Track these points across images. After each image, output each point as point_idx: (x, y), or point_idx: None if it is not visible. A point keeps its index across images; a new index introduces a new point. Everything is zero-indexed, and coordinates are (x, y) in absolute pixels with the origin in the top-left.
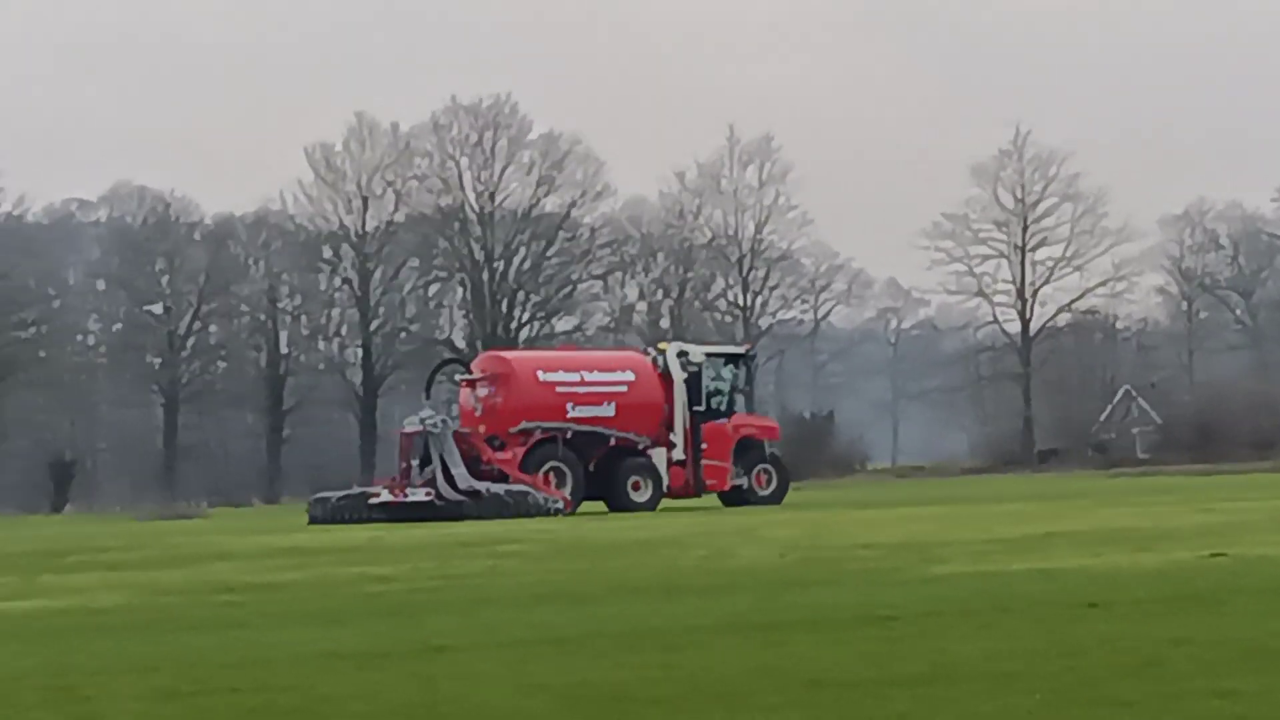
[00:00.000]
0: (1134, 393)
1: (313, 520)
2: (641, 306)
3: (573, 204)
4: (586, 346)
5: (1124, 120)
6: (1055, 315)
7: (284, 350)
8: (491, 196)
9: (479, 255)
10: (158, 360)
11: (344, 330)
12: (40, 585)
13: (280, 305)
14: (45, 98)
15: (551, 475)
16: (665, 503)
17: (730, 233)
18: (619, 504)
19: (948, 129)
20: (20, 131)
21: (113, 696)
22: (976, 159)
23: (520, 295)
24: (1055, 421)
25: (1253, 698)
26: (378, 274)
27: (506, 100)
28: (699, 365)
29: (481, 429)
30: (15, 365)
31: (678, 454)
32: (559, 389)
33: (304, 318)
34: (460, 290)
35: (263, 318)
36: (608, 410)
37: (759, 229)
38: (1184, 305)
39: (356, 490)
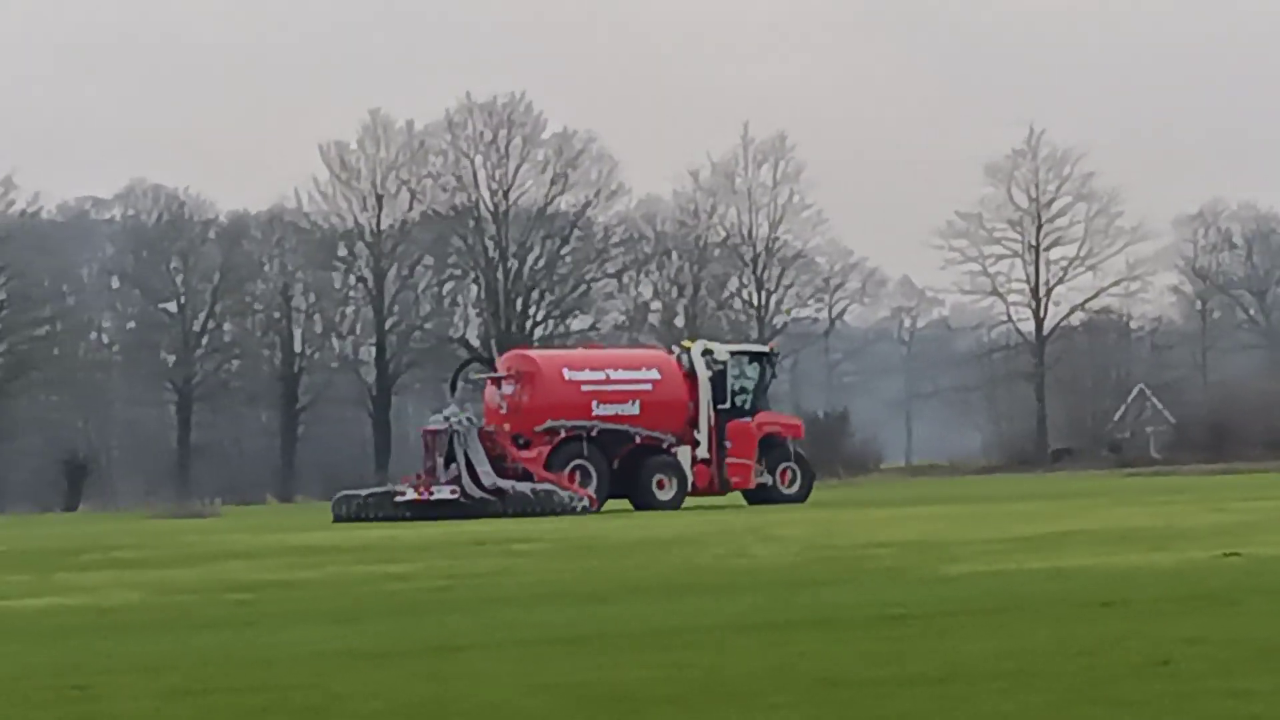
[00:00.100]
0: (1148, 392)
1: (337, 518)
2: (656, 305)
3: (587, 202)
4: (610, 345)
5: (1131, 119)
6: (1069, 314)
7: (298, 348)
8: (506, 195)
9: (493, 253)
10: (172, 358)
11: (358, 328)
12: (53, 583)
13: (294, 303)
14: (47, 97)
15: (576, 473)
16: (689, 500)
17: (744, 231)
18: (643, 502)
19: (956, 128)
20: (29, 131)
21: (124, 695)
22: (989, 158)
23: (535, 294)
24: (1069, 421)
25: (1267, 697)
26: (392, 272)
27: (521, 99)
28: (724, 363)
29: (506, 427)
30: (29, 363)
31: (702, 452)
32: (584, 387)
33: (318, 316)
34: (475, 288)
35: (277, 315)
36: (632, 408)
37: (773, 228)
38: (1198, 305)
39: (381, 488)
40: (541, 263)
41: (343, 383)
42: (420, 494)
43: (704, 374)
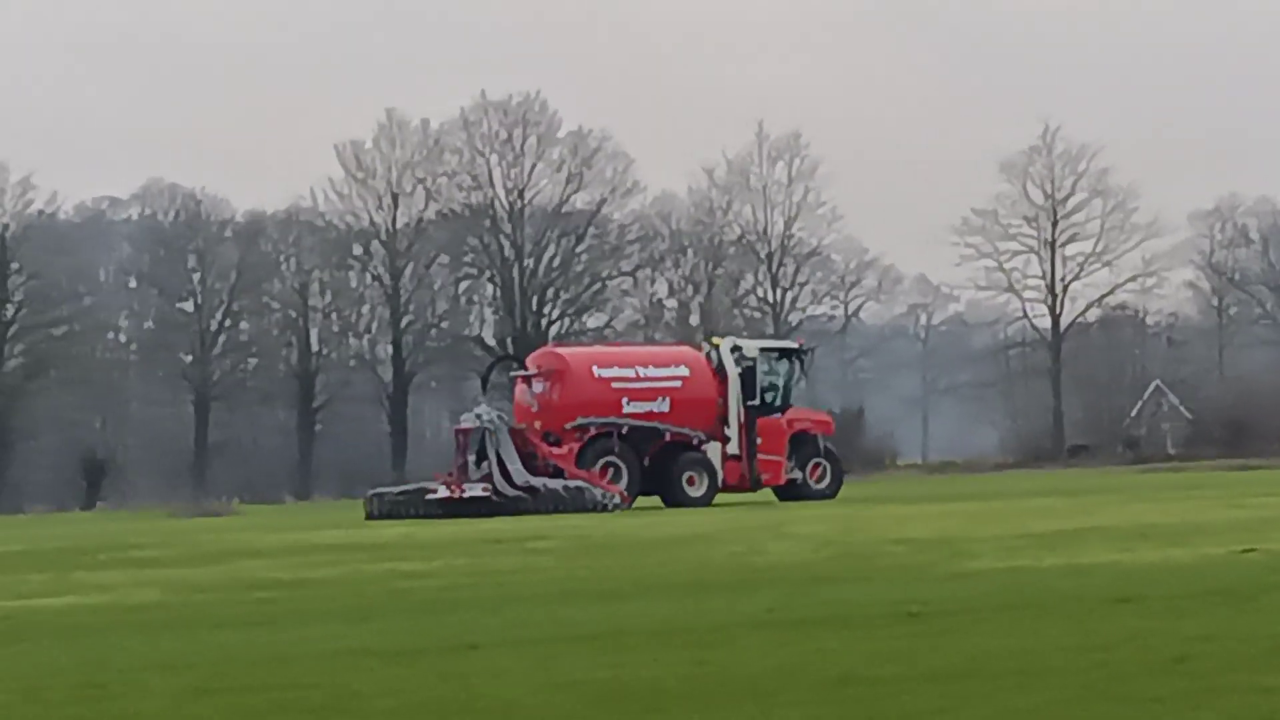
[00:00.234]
0: (1164, 388)
1: (370, 516)
2: (671, 303)
3: (602, 200)
4: (627, 343)
5: (1147, 116)
6: (1085, 310)
7: (314, 347)
8: (521, 193)
9: (509, 252)
10: (189, 357)
11: (374, 327)
12: (72, 582)
13: (311, 302)
14: (47, 97)
15: (608, 470)
16: (720, 497)
17: (759, 229)
18: (674, 499)
19: (967, 125)
20: (29, 131)
21: (143, 693)
22: (1005, 154)
23: (550, 292)
24: (1085, 417)
25: None
26: (408, 271)
27: (536, 97)
28: (753, 360)
29: (537, 425)
30: (47, 363)
31: (732, 448)
32: (614, 384)
33: (334, 315)
34: (490, 287)
35: (293, 315)
36: (663, 405)
37: (788, 225)
38: (1214, 300)
39: (414, 486)
40: (557, 261)
41: (359, 381)
42: (453, 492)
43: (733, 371)
